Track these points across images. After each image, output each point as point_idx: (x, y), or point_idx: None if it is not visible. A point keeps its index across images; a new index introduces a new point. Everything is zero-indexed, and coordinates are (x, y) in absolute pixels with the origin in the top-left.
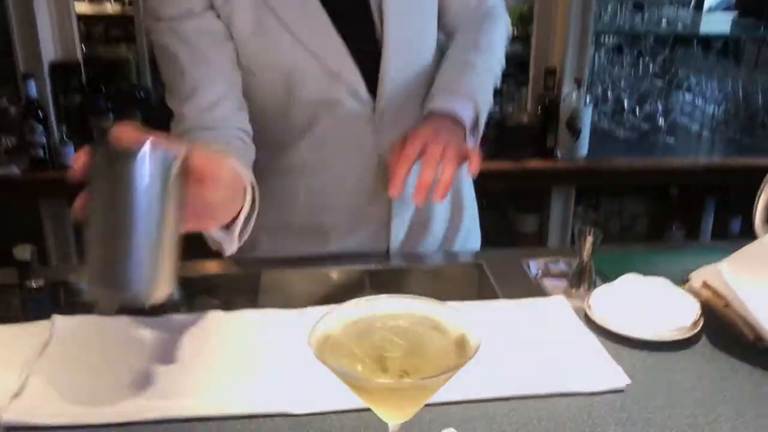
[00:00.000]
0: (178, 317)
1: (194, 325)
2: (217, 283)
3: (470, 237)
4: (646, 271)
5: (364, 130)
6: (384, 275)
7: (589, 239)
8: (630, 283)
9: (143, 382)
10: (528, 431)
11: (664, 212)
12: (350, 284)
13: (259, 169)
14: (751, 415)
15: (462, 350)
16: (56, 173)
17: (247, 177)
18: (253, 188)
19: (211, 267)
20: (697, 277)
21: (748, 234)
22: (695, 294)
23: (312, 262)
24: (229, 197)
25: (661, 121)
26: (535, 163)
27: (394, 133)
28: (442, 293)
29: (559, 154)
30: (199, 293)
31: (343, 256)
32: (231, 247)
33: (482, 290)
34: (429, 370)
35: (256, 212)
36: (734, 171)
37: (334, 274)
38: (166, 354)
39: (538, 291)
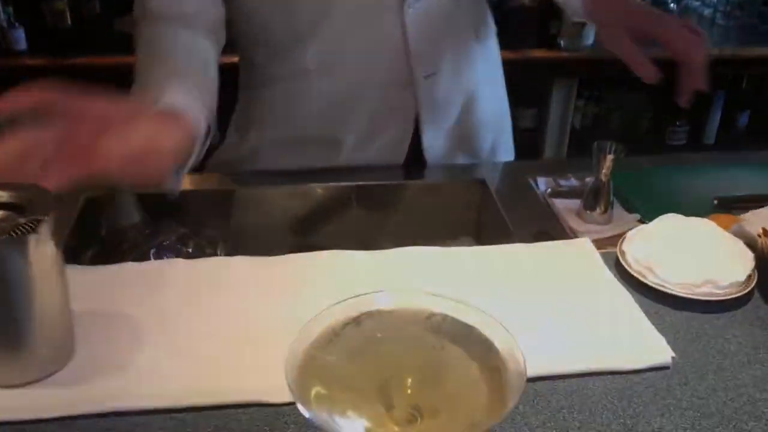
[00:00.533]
0: (125, 268)
1: (144, 281)
2: (185, 201)
3: (509, 150)
4: (665, 193)
5: (391, 16)
6: (374, 191)
7: (610, 157)
8: (669, 225)
9: (81, 362)
10: (558, 425)
11: (668, 106)
12: (336, 201)
13: (259, 76)
14: None
15: (496, 386)
16: (6, 61)
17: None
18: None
19: (184, 182)
20: (752, 222)
21: (755, 129)
22: (749, 241)
23: (294, 177)
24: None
25: (672, 5)
26: (536, 53)
27: (426, 19)
28: (440, 213)
29: (562, 43)
30: (165, 214)
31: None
32: (177, 187)
33: (484, 210)
34: (448, 412)
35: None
36: (748, 61)
37: (319, 190)
38: (108, 326)
39: (546, 212)
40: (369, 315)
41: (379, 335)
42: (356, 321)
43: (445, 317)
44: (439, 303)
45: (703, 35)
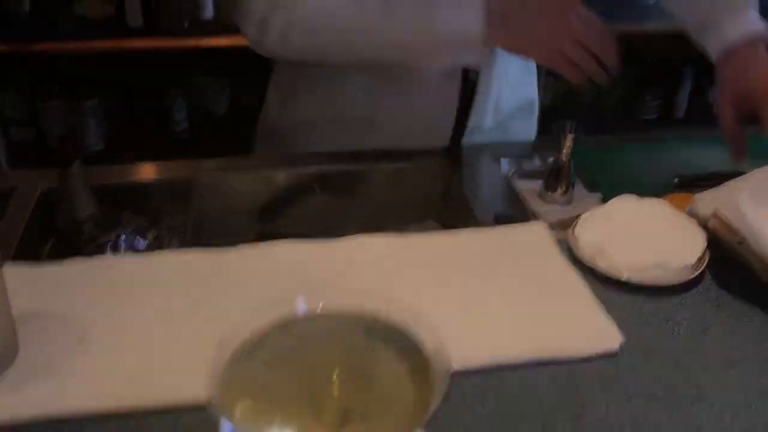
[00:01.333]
0: (70, 265)
1: (91, 279)
2: (144, 191)
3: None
4: (629, 172)
5: None
6: (336, 177)
7: (570, 136)
8: (622, 207)
9: (24, 366)
10: (504, 416)
11: (639, 81)
12: (300, 188)
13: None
14: None
15: (422, 386)
16: None
17: None
18: None
19: (144, 171)
20: (705, 202)
21: None
22: (701, 221)
23: (254, 163)
24: None
25: None
26: None
27: None
28: (404, 196)
29: None
30: (123, 205)
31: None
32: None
33: (449, 193)
34: (377, 414)
35: None
36: None
37: (282, 176)
38: (53, 326)
39: (510, 194)
40: (297, 319)
41: (307, 339)
42: (283, 325)
43: (377, 318)
44: (371, 303)
45: None
